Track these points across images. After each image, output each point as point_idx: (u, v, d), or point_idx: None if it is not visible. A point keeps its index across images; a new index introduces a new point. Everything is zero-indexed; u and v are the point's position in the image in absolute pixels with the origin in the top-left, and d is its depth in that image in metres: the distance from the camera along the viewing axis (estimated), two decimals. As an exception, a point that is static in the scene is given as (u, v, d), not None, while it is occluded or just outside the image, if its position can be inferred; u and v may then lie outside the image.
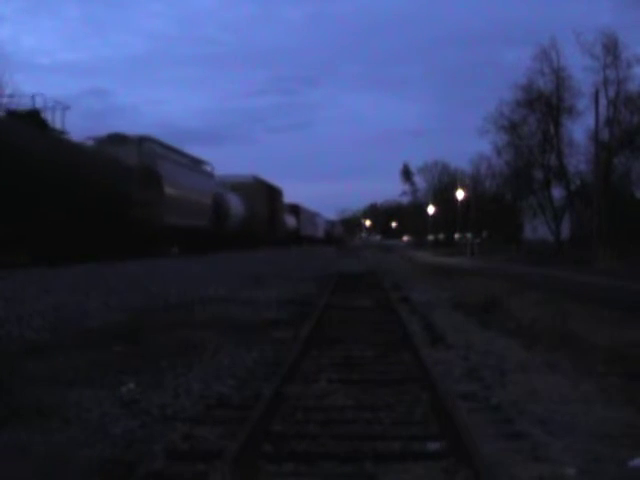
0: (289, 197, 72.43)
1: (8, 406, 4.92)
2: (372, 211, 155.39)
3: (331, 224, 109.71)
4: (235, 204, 40.57)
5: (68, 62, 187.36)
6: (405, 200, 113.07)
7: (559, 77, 43.49)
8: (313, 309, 11.45)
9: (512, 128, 46.41)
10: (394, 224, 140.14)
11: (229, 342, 8.16)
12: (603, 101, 38.71)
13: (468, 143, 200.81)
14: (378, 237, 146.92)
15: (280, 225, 55.99)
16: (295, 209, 68.47)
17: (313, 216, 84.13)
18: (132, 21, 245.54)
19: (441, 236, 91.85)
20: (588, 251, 33.38)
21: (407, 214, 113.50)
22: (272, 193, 53.18)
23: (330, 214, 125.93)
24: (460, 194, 62.19)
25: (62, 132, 20.85)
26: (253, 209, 44.25)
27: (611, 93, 40.53)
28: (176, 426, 4.64)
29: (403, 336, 8.55)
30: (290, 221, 64.18)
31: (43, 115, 19.89)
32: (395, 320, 10.23)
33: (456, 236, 77.29)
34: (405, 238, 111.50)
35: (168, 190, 26.90)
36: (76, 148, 21.58)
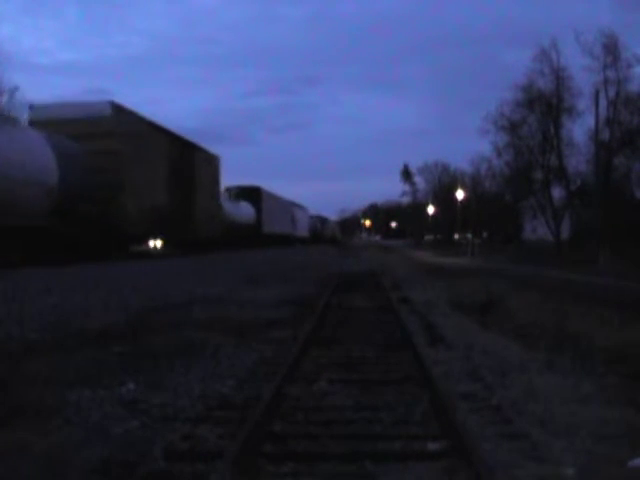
0: (290, 197, 66.71)
1: (8, 406, 4.92)
2: (372, 211, 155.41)
3: (320, 221, 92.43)
4: (17, 154, 18.03)
5: (68, 62, 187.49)
6: (405, 200, 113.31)
7: (559, 77, 43.47)
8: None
9: (512, 128, 46.38)
10: (394, 224, 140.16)
11: (229, 342, 8.16)
12: (603, 101, 38.75)
13: (468, 143, 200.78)
14: (378, 237, 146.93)
15: (207, 215, 33.56)
16: (254, 194, 47.70)
17: (287, 207, 61.88)
18: (132, 21, 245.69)
19: (440, 236, 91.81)
20: (588, 251, 33.38)
21: (407, 214, 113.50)
22: (182, 152, 29.68)
23: (330, 214, 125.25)
24: (460, 194, 62.16)
25: None
26: (105, 173, 21.81)
27: (611, 93, 40.54)
28: (176, 426, 4.65)
29: (403, 336, 8.55)
30: (243, 211, 44.54)
31: None
32: (395, 320, 10.23)
33: (456, 236, 77.30)
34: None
35: None
36: None
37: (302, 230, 69.82)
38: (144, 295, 12.47)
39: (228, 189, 44.77)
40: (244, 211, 45.21)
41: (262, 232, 48.73)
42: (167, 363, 6.75)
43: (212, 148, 36.47)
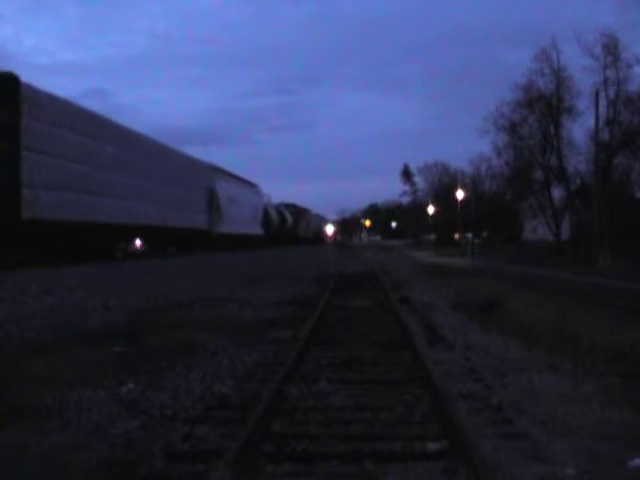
0: (289, 197, 61.73)
1: (8, 406, 4.91)
2: (372, 211, 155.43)
3: (290, 210, 65.12)
4: None
5: (68, 62, 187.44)
6: (405, 200, 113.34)
7: (559, 77, 43.42)
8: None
9: (512, 128, 46.34)
10: (394, 224, 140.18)
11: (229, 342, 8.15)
12: (603, 101, 38.69)
13: (468, 143, 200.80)
14: (378, 237, 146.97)
15: None
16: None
17: (192, 169, 34.84)
18: (132, 21, 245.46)
19: (440, 236, 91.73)
20: (588, 251, 33.38)
21: (407, 214, 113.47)
22: None
23: (330, 214, 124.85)
24: (460, 194, 62.17)
25: None
26: None
27: (611, 93, 40.46)
28: (176, 426, 4.64)
29: (403, 336, 8.55)
30: None
31: None
32: (395, 320, 10.22)
33: (456, 236, 77.28)
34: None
35: None
36: None
37: (245, 223, 42.78)
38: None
39: None
40: None
41: (23, 217, 18.19)
42: (168, 363, 6.75)
43: (212, 148, 34.11)
